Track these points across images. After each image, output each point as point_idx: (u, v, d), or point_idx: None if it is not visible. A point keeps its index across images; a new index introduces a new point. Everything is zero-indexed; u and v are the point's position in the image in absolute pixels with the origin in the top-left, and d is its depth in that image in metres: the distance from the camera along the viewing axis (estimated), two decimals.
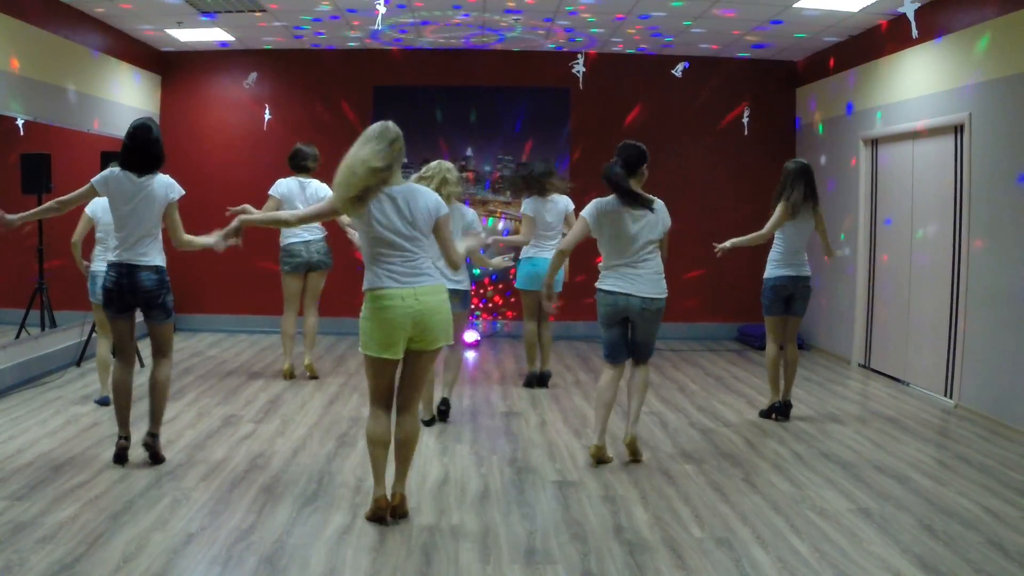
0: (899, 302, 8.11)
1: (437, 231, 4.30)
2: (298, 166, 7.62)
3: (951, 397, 7.13)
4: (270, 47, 10.21)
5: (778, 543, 4.18)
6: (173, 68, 10.35)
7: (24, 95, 7.35)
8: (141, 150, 5.09)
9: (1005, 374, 6.44)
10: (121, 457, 5.18)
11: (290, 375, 7.74)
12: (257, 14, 8.49)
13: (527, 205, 7.43)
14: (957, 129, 7.15)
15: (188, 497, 4.65)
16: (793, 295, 6.49)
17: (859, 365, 8.79)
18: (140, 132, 5.10)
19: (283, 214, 4.79)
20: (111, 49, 8.99)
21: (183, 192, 5.25)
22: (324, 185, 7.49)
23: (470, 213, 6.18)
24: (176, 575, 3.70)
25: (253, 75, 10.12)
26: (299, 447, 5.68)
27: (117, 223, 5.15)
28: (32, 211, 5.50)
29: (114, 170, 5.15)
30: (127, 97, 9.42)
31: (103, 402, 6.52)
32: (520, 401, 7.13)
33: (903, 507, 4.70)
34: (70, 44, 8.12)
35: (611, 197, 5.27)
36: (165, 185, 5.16)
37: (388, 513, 4.36)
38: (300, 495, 4.74)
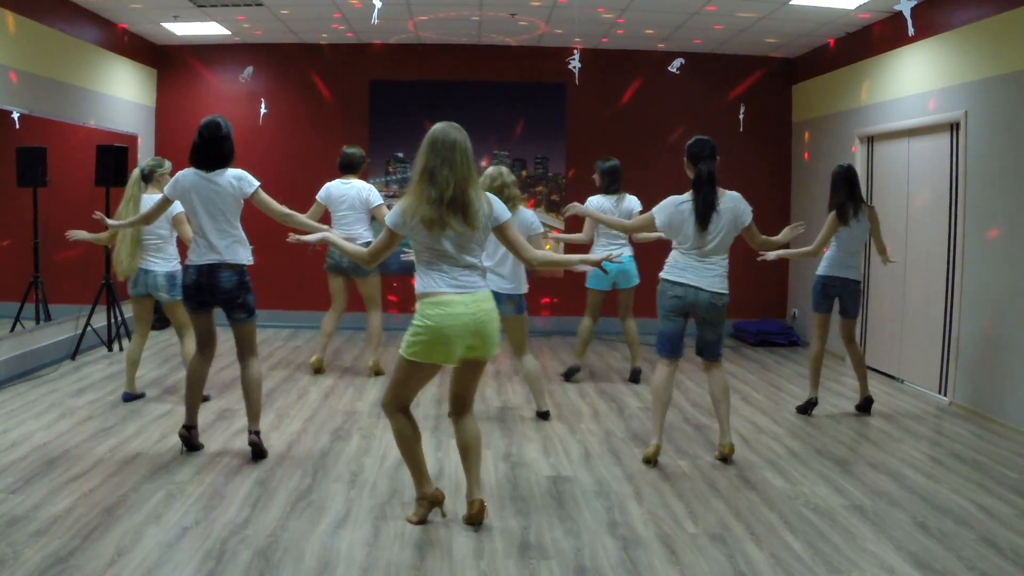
0: (894, 299, 8.13)
1: (500, 235, 4.19)
2: (346, 168, 7.58)
3: (945, 394, 7.15)
4: (266, 41, 10.19)
5: (772, 539, 4.19)
6: (169, 62, 10.33)
7: (20, 88, 7.33)
8: (208, 147, 5.08)
9: (999, 371, 6.45)
10: (192, 445, 5.31)
11: (317, 369, 7.78)
12: (253, 8, 8.48)
13: (591, 203, 7.46)
14: (953, 127, 7.15)
15: (182, 491, 4.65)
16: (841, 296, 6.58)
17: None
18: (208, 129, 5.09)
19: (360, 252, 4.32)
20: (107, 43, 8.97)
21: (257, 183, 5.19)
22: (369, 186, 7.55)
23: (529, 215, 6.13)
24: (170, 569, 3.70)
25: (249, 69, 10.10)
26: (294, 441, 5.68)
27: (195, 222, 5.15)
28: (119, 223, 5.69)
29: (183, 172, 5.14)
30: (123, 91, 9.40)
31: (127, 398, 6.57)
32: (515, 396, 7.13)
33: (897, 504, 4.71)
34: (66, 37, 8.10)
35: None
36: (235, 178, 5.12)
37: (442, 507, 4.34)
38: (294, 489, 4.74)
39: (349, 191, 7.46)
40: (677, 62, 9.82)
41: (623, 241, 7.41)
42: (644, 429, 6.17)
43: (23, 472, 4.85)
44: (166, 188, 5.22)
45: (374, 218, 7.52)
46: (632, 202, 7.51)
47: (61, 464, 5.01)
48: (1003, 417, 6.36)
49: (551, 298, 10.53)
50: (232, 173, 5.14)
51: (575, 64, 9.12)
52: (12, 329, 7.49)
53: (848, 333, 6.74)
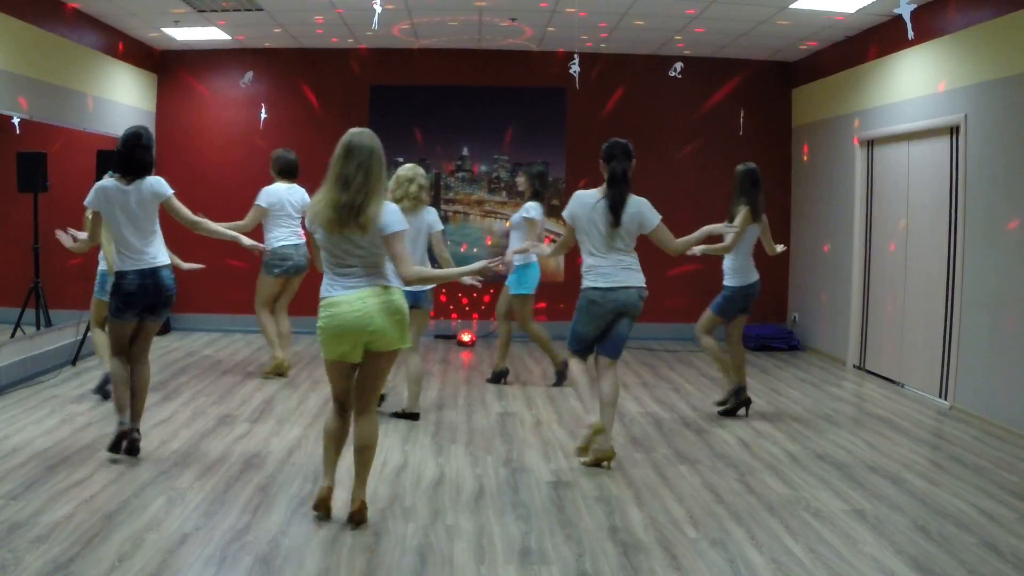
0: (894, 303, 8.13)
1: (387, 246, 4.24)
2: (291, 173, 7.74)
3: (946, 398, 7.14)
4: (267, 46, 10.19)
5: (772, 544, 4.19)
6: (169, 67, 10.33)
7: (21, 93, 7.34)
8: (128, 156, 5.21)
9: (1000, 376, 6.45)
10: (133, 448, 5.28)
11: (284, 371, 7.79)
12: (253, 13, 8.48)
13: (530, 210, 7.46)
14: (953, 131, 7.16)
15: (183, 497, 4.64)
16: (749, 298, 6.67)
17: (854, 366, 8.81)
18: (129, 139, 5.25)
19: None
20: (108, 48, 8.98)
21: (172, 190, 5.32)
22: (304, 190, 7.67)
23: (432, 215, 6.40)
24: (171, 575, 3.70)
25: (249, 74, 10.11)
26: (294, 447, 5.68)
27: (119, 230, 5.19)
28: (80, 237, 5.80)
29: (103, 183, 5.22)
30: (124, 96, 9.41)
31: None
32: (515, 401, 7.13)
33: (897, 508, 4.71)
34: (67, 43, 8.11)
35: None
36: (152, 184, 5.25)
37: (330, 505, 4.38)
38: (295, 495, 4.74)
39: (295, 196, 7.68)
40: (677, 66, 9.82)
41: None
42: (643, 433, 6.17)
43: (23, 478, 4.84)
44: (87, 202, 5.25)
45: None
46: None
47: (62, 470, 5.01)
48: (1004, 421, 6.35)
49: (546, 303, 10.52)
50: (150, 180, 5.26)
51: (575, 69, 9.14)
52: (12, 335, 7.48)
53: (741, 332, 6.79)
